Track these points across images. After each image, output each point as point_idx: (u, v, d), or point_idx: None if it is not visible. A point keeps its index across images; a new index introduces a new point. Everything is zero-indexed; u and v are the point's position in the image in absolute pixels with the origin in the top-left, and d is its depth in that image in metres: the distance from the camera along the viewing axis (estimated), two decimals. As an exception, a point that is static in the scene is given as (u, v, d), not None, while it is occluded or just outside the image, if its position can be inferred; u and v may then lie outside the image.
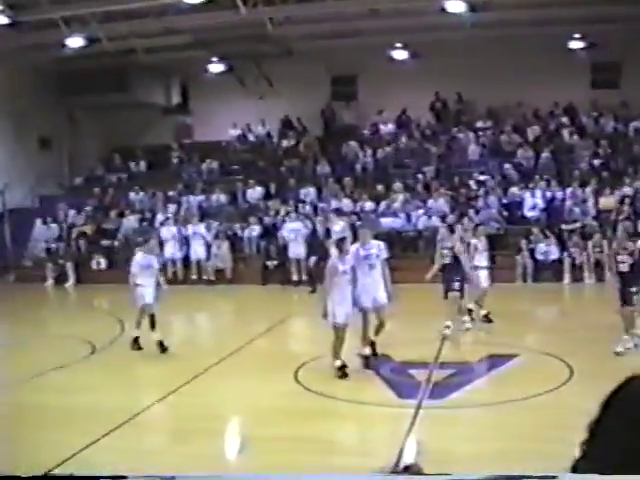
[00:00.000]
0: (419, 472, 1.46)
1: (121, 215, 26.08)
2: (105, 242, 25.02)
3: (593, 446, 1.28)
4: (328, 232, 21.12)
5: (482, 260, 15.20)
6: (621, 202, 21.71)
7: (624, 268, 11.93)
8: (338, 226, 20.37)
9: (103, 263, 24.23)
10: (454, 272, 13.87)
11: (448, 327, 13.71)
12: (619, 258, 12.04)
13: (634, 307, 11.97)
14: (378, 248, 12.11)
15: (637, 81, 24.10)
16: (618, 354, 11.62)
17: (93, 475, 1.25)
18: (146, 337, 13.25)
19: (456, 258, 13.96)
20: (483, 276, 15.08)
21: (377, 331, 11.94)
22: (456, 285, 13.82)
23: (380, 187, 24.66)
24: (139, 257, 13.56)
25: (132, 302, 13.34)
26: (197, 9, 22.22)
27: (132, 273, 13.36)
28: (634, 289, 11.83)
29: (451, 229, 16.06)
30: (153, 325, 13.17)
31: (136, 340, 13.27)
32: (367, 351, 11.82)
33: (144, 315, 13.23)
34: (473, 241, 15.64)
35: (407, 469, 1.52)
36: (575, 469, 1.29)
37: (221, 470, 7.71)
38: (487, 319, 15.00)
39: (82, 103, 28.06)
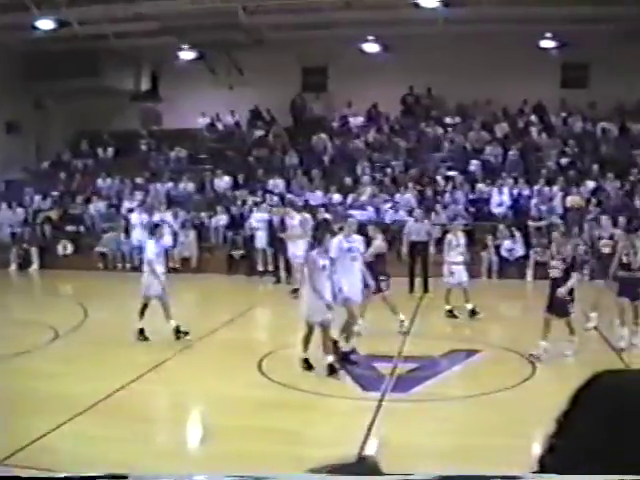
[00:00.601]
0: (374, 465, 1.45)
1: (88, 201, 25.90)
2: (70, 227, 24.87)
3: (560, 439, 1.28)
4: (283, 224, 20.56)
5: (457, 256, 15.18)
6: (588, 201, 21.88)
7: (555, 274, 11.72)
8: (296, 220, 19.76)
9: (69, 248, 24.05)
10: (377, 272, 13.25)
11: (403, 322, 13.73)
12: (552, 263, 11.82)
13: (570, 316, 11.85)
14: (359, 242, 12.05)
15: (605, 82, 24.30)
16: (535, 356, 11.53)
17: (90, 475, 1.24)
18: (121, 322, 13.17)
19: (378, 256, 13.53)
20: (457, 272, 15.13)
21: (348, 336, 11.75)
22: (383, 285, 13.37)
23: (348, 180, 24.68)
24: (153, 245, 13.40)
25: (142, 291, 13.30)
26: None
27: (149, 261, 13.24)
28: (569, 297, 11.72)
29: (381, 225, 15.48)
30: (143, 312, 13.12)
31: (178, 330, 13.11)
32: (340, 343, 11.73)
33: (165, 304, 13.22)
34: (448, 237, 15.69)
35: (361, 460, 1.52)
36: (542, 464, 1.29)
37: (182, 459, 7.70)
38: (452, 314, 15.09)
39: (50, 87, 27.65)
